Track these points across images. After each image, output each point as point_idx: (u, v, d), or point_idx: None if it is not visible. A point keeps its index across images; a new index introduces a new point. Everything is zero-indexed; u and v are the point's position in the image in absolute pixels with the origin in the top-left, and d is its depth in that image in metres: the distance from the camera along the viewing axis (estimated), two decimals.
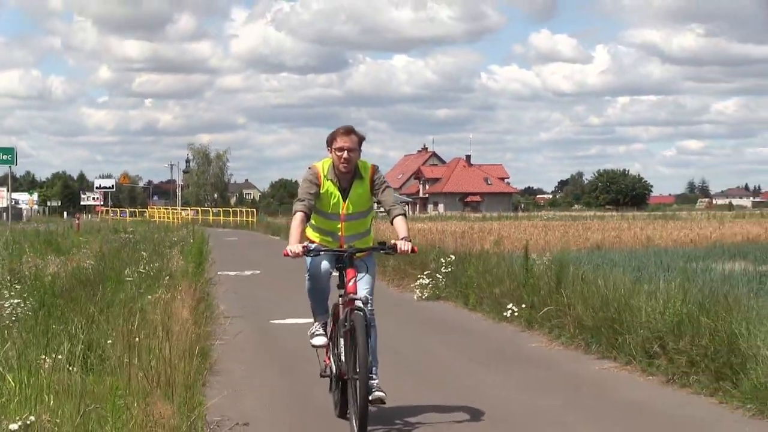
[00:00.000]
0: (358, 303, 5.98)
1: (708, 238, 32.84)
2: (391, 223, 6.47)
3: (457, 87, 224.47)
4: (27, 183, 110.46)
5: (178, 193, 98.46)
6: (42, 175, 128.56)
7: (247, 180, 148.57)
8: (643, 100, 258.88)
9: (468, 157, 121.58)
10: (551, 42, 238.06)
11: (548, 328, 10.73)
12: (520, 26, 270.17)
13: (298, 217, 6.23)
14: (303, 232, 6.35)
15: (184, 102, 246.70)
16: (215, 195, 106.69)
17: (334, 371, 6.32)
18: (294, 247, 6.09)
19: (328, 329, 6.49)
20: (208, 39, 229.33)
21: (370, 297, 6.26)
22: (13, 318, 9.25)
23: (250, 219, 61.71)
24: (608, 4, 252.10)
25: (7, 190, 47.81)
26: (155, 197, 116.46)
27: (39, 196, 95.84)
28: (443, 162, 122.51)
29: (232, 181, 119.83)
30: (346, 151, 6.20)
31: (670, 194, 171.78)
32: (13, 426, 5.07)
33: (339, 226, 6.43)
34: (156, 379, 6.82)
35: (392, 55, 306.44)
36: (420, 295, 14.93)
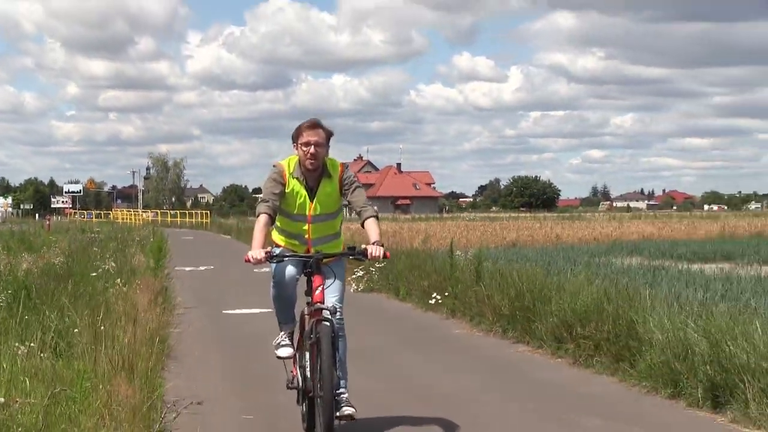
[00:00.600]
0: (326, 313, 5.37)
1: (609, 236, 34.85)
2: (362, 226, 5.83)
3: (388, 102, 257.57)
4: (2, 188, 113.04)
5: (140, 197, 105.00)
6: (15, 180, 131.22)
7: (201, 185, 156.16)
8: (552, 114, 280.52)
9: (399, 165, 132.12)
10: (472, 63, 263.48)
11: (470, 316, 11.21)
12: (444, 49, 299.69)
13: (262, 219, 5.59)
14: (267, 235, 5.62)
15: (145, 115, 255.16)
16: (173, 198, 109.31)
17: (300, 384, 5.71)
18: (256, 252, 5.39)
19: (295, 339, 5.83)
20: (166, 59, 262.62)
21: (339, 306, 5.63)
22: None
23: (204, 220, 64.91)
24: (521, 31, 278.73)
25: None
26: (119, 201, 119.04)
27: (13, 200, 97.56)
28: (376, 169, 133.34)
29: (188, 186, 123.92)
30: (312, 146, 5.58)
31: (576, 198, 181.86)
32: None
33: (306, 228, 5.80)
34: (120, 364, 6.92)
35: (332, 74, 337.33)
36: (356, 287, 15.56)
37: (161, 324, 10.01)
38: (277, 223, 5.84)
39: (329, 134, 5.68)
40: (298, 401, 5.80)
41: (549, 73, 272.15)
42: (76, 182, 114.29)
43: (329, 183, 5.70)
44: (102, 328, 8.11)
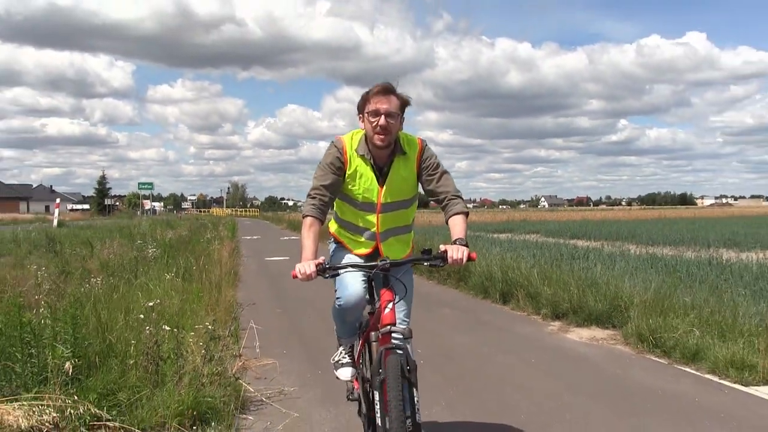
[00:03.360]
0: (397, 340, 3.40)
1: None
2: (447, 223, 3.78)
3: None
4: (157, 198, 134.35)
5: (224, 202, 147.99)
6: (164, 193, 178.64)
7: (254, 196, 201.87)
8: None
9: None
10: None
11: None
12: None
13: (307, 222, 3.68)
14: (317, 239, 3.64)
15: (227, 162, 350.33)
16: (240, 203, 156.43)
17: (362, 400, 3.92)
18: (305, 265, 3.44)
19: (356, 350, 4.06)
20: (237, 134, 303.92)
21: (406, 321, 3.73)
22: (153, 257, 12.03)
23: (255, 214, 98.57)
24: (411, 121, 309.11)
25: (150, 201, 71.31)
26: (214, 204, 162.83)
27: (164, 204, 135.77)
28: None
29: (247, 197, 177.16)
30: (382, 116, 3.58)
31: None
32: (150, 303, 5.72)
33: (374, 219, 3.79)
34: (214, 283, 9.39)
35: (318, 141, 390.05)
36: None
37: (234, 264, 13.53)
38: (337, 212, 3.95)
39: (405, 103, 3.72)
40: (359, 413, 4.07)
41: (425, 141, 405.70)
42: (193, 195, 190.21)
43: (404, 163, 3.75)
44: (205, 266, 10.83)
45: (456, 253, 3.45)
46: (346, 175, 3.74)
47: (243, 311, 8.19)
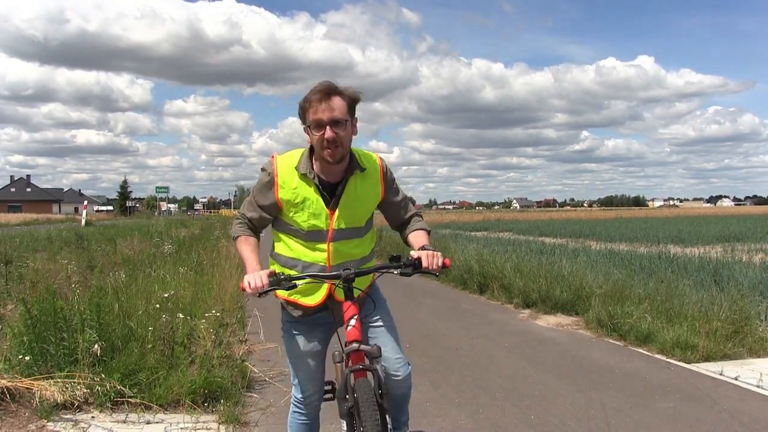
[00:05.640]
0: (367, 359, 2.47)
1: (436, 220, 47.10)
2: (405, 240, 2.85)
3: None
4: (171, 200, 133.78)
5: (232, 204, 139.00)
6: (178, 196, 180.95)
7: None
8: (412, 168, 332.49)
9: None
10: (377, 146, 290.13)
11: (377, 255, 13.38)
12: (364, 139, 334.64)
13: (240, 239, 2.76)
14: (257, 250, 2.70)
15: (234, 168, 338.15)
16: None
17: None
18: (253, 276, 2.47)
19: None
20: (244, 143, 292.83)
21: (401, 357, 2.76)
22: (168, 253, 12.06)
23: None
24: (399, 131, 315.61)
25: (166, 203, 70.61)
26: (223, 206, 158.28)
27: (178, 206, 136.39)
28: None
29: None
30: (327, 127, 2.50)
31: (421, 204, 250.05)
32: (166, 294, 6.03)
33: (324, 249, 2.67)
34: (223, 276, 9.11)
35: None
36: None
37: (240, 260, 13.77)
38: (275, 250, 2.81)
39: (353, 100, 2.57)
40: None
41: (410, 150, 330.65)
42: (204, 198, 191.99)
43: (362, 181, 2.67)
44: (215, 260, 10.84)
45: (431, 259, 2.52)
46: (284, 202, 2.64)
47: (248, 300, 8.16)
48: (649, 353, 6.01)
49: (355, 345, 2.46)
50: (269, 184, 2.69)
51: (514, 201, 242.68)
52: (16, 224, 44.68)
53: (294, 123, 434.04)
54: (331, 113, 2.52)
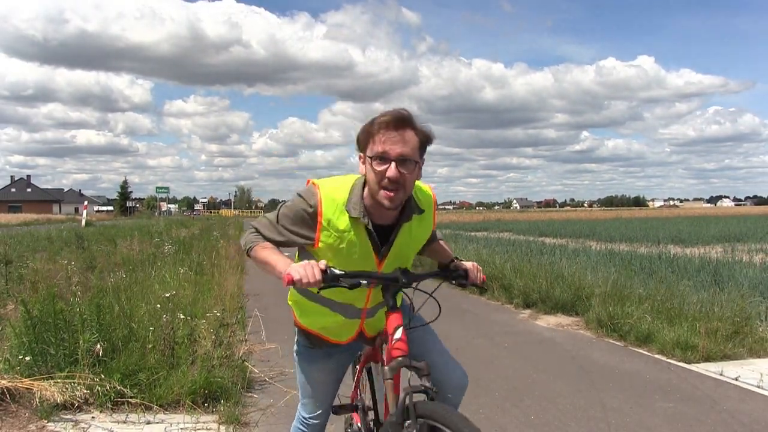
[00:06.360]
0: (422, 378, 2.00)
1: (436, 220, 47.11)
2: (423, 251, 2.43)
3: (339, 163, 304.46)
4: (171, 200, 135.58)
5: (232, 204, 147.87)
6: (178, 196, 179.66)
7: (259, 199, 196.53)
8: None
9: None
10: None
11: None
12: None
13: (256, 247, 2.24)
14: (282, 253, 2.20)
15: (234, 168, 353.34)
16: (246, 205, 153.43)
17: None
18: (305, 268, 2.00)
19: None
20: (244, 143, 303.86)
21: (450, 355, 2.45)
22: (169, 253, 11.94)
23: (260, 214, 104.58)
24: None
25: (166, 204, 69.79)
26: (223, 206, 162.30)
27: (178, 206, 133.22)
28: None
29: (252, 200, 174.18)
30: (392, 164, 2.04)
31: None
32: (167, 294, 5.91)
33: (363, 295, 2.27)
34: (223, 276, 9.36)
35: (315, 150, 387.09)
36: None
37: (241, 259, 13.04)
38: (300, 295, 2.39)
39: (426, 140, 2.14)
40: None
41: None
42: (204, 198, 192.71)
43: (418, 225, 2.26)
44: (215, 261, 10.90)
45: (476, 272, 2.36)
46: (324, 245, 2.15)
47: (248, 301, 8.22)
48: (649, 353, 6.00)
49: (403, 360, 2.04)
50: (309, 220, 2.16)
51: (514, 201, 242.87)
52: (17, 224, 44.70)
53: (294, 123, 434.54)
54: (401, 148, 2.04)
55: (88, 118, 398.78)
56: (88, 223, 33.45)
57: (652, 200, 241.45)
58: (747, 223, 33.86)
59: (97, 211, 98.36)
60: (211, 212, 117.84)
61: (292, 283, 1.99)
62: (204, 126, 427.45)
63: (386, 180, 2.05)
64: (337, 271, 2.05)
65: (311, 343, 2.47)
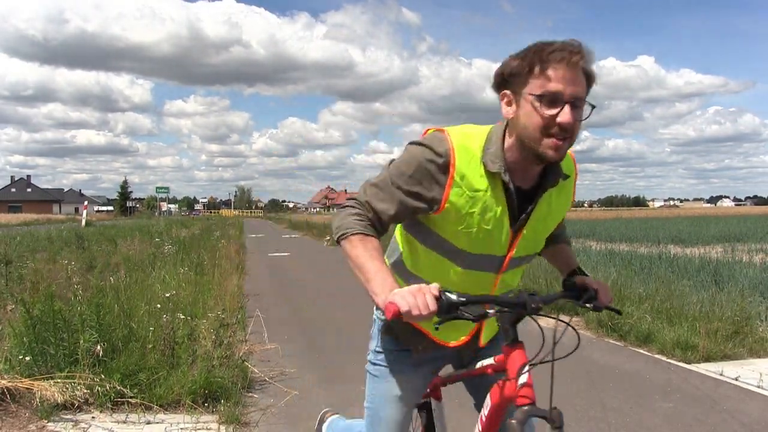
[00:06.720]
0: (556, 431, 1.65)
1: None
2: (540, 254, 1.97)
3: (341, 162, 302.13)
4: (172, 200, 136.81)
5: (232, 204, 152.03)
6: (179, 196, 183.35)
7: (259, 199, 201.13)
8: None
9: (345, 190, 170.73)
10: (378, 146, 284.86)
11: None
12: (366, 137, 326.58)
13: (354, 239, 1.63)
14: (382, 255, 1.63)
15: (234, 168, 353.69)
16: (246, 205, 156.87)
17: None
18: (416, 296, 1.44)
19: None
20: (244, 143, 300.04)
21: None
22: (169, 253, 11.80)
23: (260, 214, 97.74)
24: (401, 131, 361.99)
25: (166, 204, 69.59)
26: (223, 206, 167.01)
27: (178, 206, 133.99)
28: (335, 191, 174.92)
29: (252, 199, 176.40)
30: (566, 106, 1.51)
31: None
32: (167, 294, 5.98)
33: (488, 283, 1.78)
34: (223, 276, 9.39)
35: (315, 150, 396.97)
36: (327, 244, 20.69)
37: (241, 259, 13.47)
38: (406, 264, 1.86)
39: (592, 83, 1.61)
40: None
41: None
42: (205, 198, 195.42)
43: (558, 191, 1.75)
44: (215, 261, 10.84)
45: (607, 294, 1.84)
46: (452, 208, 1.64)
47: (249, 301, 8.17)
48: (649, 353, 6.00)
49: (532, 409, 1.70)
50: (437, 174, 1.62)
51: None
52: (17, 224, 44.68)
53: (294, 123, 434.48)
54: (576, 87, 1.54)
55: (88, 118, 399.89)
56: (88, 223, 33.43)
57: (652, 200, 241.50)
58: (747, 223, 33.85)
59: (97, 211, 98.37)
60: (211, 212, 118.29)
61: (397, 315, 1.44)
62: (204, 126, 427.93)
63: (556, 127, 1.54)
64: (453, 297, 1.50)
65: (396, 345, 1.92)
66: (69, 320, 4.67)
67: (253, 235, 30.71)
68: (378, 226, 1.69)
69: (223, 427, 4.02)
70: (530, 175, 1.68)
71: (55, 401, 4.09)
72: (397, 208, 1.67)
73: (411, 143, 1.69)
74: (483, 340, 1.93)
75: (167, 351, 4.89)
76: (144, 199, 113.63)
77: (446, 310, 1.50)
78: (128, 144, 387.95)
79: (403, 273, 1.86)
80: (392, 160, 1.72)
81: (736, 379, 5.10)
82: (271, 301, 8.98)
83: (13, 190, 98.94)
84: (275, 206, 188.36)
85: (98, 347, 4.48)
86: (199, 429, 4.01)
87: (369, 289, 1.56)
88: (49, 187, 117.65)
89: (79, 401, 4.17)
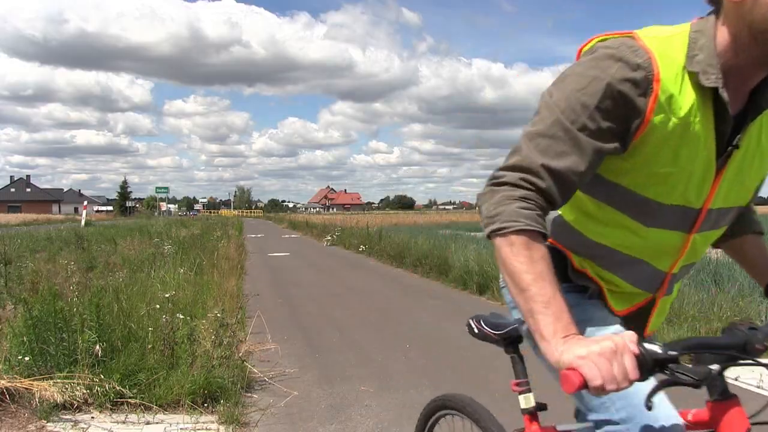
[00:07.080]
0: None
1: (436, 221, 48.67)
2: (719, 246, 1.49)
3: (341, 162, 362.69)
4: (171, 200, 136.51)
5: (232, 204, 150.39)
6: (178, 196, 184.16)
7: (259, 199, 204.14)
8: (413, 168, 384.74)
9: (345, 189, 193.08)
10: (377, 146, 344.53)
11: (376, 256, 15.30)
12: (365, 138, 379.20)
13: (520, 241, 1.09)
14: (554, 274, 1.06)
15: (234, 168, 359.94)
16: (246, 205, 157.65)
17: None
18: (607, 360, 0.95)
19: None
20: (244, 143, 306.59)
21: None
22: (168, 253, 11.64)
23: (259, 215, 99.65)
24: (399, 131, 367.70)
25: (166, 204, 70.63)
26: (223, 206, 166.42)
27: (177, 206, 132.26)
28: (335, 191, 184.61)
29: (252, 199, 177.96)
30: None
31: (421, 204, 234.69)
32: (167, 294, 5.89)
33: (677, 245, 1.26)
34: (223, 276, 9.38)
35: (315, 150, 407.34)
36: (326, 243, 21.43)
37: (241, 259, 13.52)
38: (574, 224, 1.34)
39: None
40: None
41: (410, 150, 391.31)
42: (204, 198, 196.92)
43: None
44: (215, 261, 10.80)
45: None
46: (650, 137, 1.16)
47: (248, 301, 8.11)
48: None
49: None
50: (635, 97, 1.14)
51: None
52: (16, 224, 44.67)
53: (294, 123, 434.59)
54: None
55: (88, 118, 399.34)
56: (87, 223, 33.41)
57: None
58: None
59: (97, 211, 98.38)
60: (210, 212, 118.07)
61: (584, 388, 0.99)
62: (204, 126, 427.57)
63: None
64: (659, 350, 1.04)
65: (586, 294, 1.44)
66: (69, 320, 4.66)
67: (253, 235, 30.63)
68: (547, 206, 1.16)
69: (222, 428, 4.01)
70: (742, 92, 1.19)
71: (55, 401, 4.09)
72: (589, 160, 1.14)
73: (588, 54, 1.17)
74: (650, 327, 1.47)
75: (167, 351, 4.88)
76: (144, 199, 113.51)
77: (650, 371, 1.03)
78: (128, 144, 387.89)
79: (563, 230, 1.38)
80: (551, 89, 1.20)
81: (736, 380, 5.09)
82: (271, 301, 8.95)
83: (13, 190, 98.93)
84: (275, 206, 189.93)
85: (98, 347, 4.47)
86: (198, 429, 4.00)
87: (532, 326, 1.11)
88: (49, 187, 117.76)
89: (78, 401, 4.17)
